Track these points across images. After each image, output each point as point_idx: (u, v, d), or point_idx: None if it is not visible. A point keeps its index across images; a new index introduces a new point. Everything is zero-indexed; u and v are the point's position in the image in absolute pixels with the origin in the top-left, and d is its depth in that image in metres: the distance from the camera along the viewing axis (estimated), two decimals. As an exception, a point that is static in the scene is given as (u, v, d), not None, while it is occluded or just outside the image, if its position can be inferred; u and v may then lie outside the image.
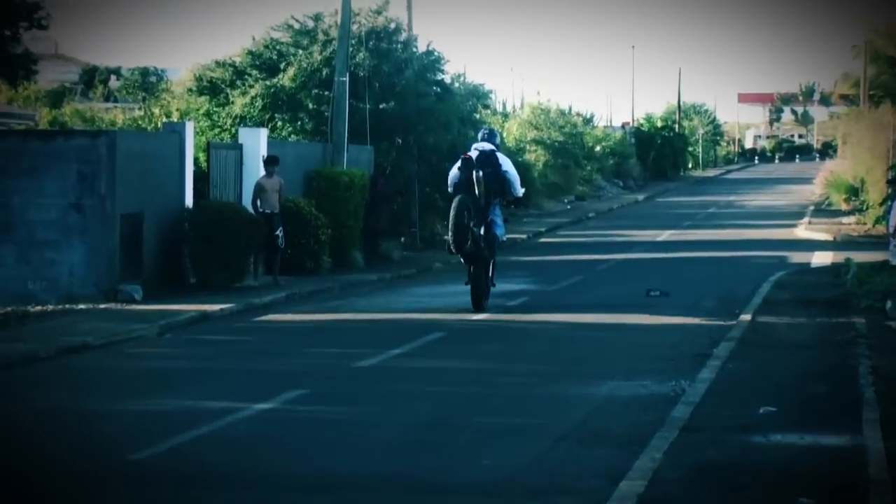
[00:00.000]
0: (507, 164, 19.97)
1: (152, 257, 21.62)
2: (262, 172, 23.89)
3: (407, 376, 14.03)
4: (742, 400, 12.13)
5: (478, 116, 37.12)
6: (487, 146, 19.90)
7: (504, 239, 21.07)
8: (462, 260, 20.02)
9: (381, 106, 30.41)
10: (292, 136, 29.95)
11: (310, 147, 28.70)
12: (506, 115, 57.23)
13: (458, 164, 19.82)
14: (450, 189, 19.94)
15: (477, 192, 19.51)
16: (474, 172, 19.49)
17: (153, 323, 17.73)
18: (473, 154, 19.82)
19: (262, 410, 11.96)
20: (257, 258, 23.52)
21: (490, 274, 20.06)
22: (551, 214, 47.31)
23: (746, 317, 18.44)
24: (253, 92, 29.97)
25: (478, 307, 19.72)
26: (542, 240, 37.74)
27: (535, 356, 15.61)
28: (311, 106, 30.05)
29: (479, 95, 38.56)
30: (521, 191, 20.11)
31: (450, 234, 19.45)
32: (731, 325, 17.83)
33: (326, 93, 29.31)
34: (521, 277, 21.77)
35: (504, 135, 50.07)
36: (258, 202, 23.39)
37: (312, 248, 25.24)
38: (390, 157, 31.54)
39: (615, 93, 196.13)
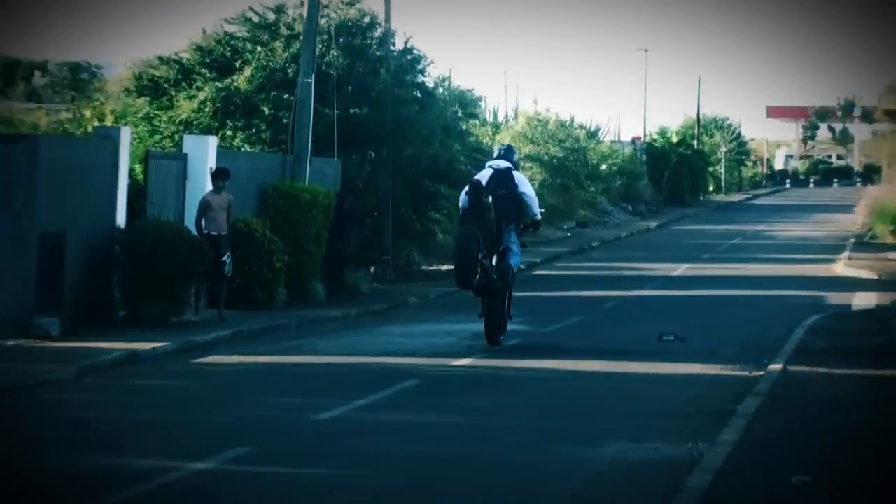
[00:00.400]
0: (524, 183, 21.13)
1: (75, 285, 21.45)
2: (210, 187, 23.80)
3: (374, 432, 13.91)
4: (771, 467, 11.96)
5: (464, 126, 37.13)
6: (503, 163, 21.07)
7: (521, 267, 22.06)
8: (473, 293, 21.01)
9: (352, 112, 30.37)
10: (246, 145, 29.90)
11: (266, 158, 28.70)
12: (497, 126, 57.27)
13: (467, 188, 20.69)
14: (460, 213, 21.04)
15: (487, 218, 20.34)
16: (483, 198, 20.28)
17: (72, 363, 17.56)
18: (487, 172, 20.90)
19: (198, 471, 11.76)
20: (200, 288, 23.43)
21: (507, 305, 21.04)
22: (548, 242, 47.33)
23: (776, 367, 18.41)
24: (202, 95, 29.91)
25: (493, 342, 20.69)
26: (537, 272, 37.73)
27: (525, 410, 15.54)
28: (269, 111, 30.04)
29: (465, 102, 38.63)
30: (538, 214, 21.22)
31: (455, 268, 20.54)
32: (759, 376, 17.80)
33: (287, 96, 29.28)
34: (512, 316, 21.89)
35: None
36: (203, 222, 23.33)
37: (266, 278, 25.16)
38: (362, 173, 31.50)
39: (624, 103, 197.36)
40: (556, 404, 16.06)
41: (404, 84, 32.15)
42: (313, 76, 27.95)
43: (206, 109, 29.84)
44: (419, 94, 32.87)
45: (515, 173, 21.01)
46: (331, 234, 28.43)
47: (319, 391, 16.58)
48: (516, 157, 21.71)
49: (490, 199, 20.31)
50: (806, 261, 41.43)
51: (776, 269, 38.35)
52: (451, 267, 36.36)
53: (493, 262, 20.60)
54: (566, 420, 14.82)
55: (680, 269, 38.39)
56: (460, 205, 20.84)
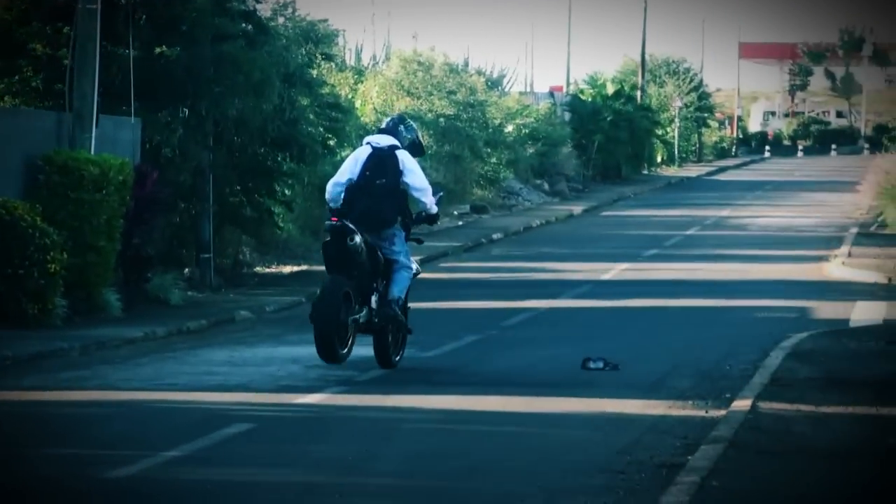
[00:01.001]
0: (411, 171, 21.50)
1: None
2: (-48, 158, 23.79)
3: (185, 496, 13.98)
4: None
5: (314, 73, 37.17)
6: (386, 141, 21.48)
7: (417, 273, 22.35)
8: None
9: (157, 51, 30.42)
10: (7, 98, 29.80)
11: (36, 117, 28.74)
12: (361, 72, 57.31)
13: (327, 226, 21.15)
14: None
15: (358, 261, 21.03)
16: (349, 243, 20.84)
17: None
18: (363, 153, 21.38)
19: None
20: (-59, 300, 23.38)
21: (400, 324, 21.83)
22: (432, 234, 47.30)
23: (743, 404, 18.56)
24: (-59, 27, 29.80)
25: (386, 365, 21.83)
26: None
27: (395, 466, 15.59)
28: (39, 50, 29.97)
29: (317, 38, 38.60)
30: (434, 206, 21.81)
31: (315, 338, 20.91)
32: (718, 417, 17.95)
33: (67, 28, 29.21)
34: (412, 330, 21.94)
35: (358, 103, 50.14)
36: (-57, 207, 23.28)
37: (36, 285, 25.26)
38: (171, 137, 31.56)
39: (541, 44, 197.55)
40: (437, 455, 16.08)
41: (228, 12, 32.21)
42: (99, 1, 27.99)
43: (-52, 48, 29.83)
44: (250, 28, 32.96)
45: (401, 155, 21.34)
46: (128, 224, 28.40)
47: (113, 440, 16.55)
48: (412, 133, 21.96)
49: (358, 239, 20.82)
50: (788, 258, 41.84)
51: (746, 271, 38.73)
52: (297, 268, 36.82)
53: (374, 302, 21.28)
54: (450, 478, 14.84)
55: (613, 271, 38.71)
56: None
